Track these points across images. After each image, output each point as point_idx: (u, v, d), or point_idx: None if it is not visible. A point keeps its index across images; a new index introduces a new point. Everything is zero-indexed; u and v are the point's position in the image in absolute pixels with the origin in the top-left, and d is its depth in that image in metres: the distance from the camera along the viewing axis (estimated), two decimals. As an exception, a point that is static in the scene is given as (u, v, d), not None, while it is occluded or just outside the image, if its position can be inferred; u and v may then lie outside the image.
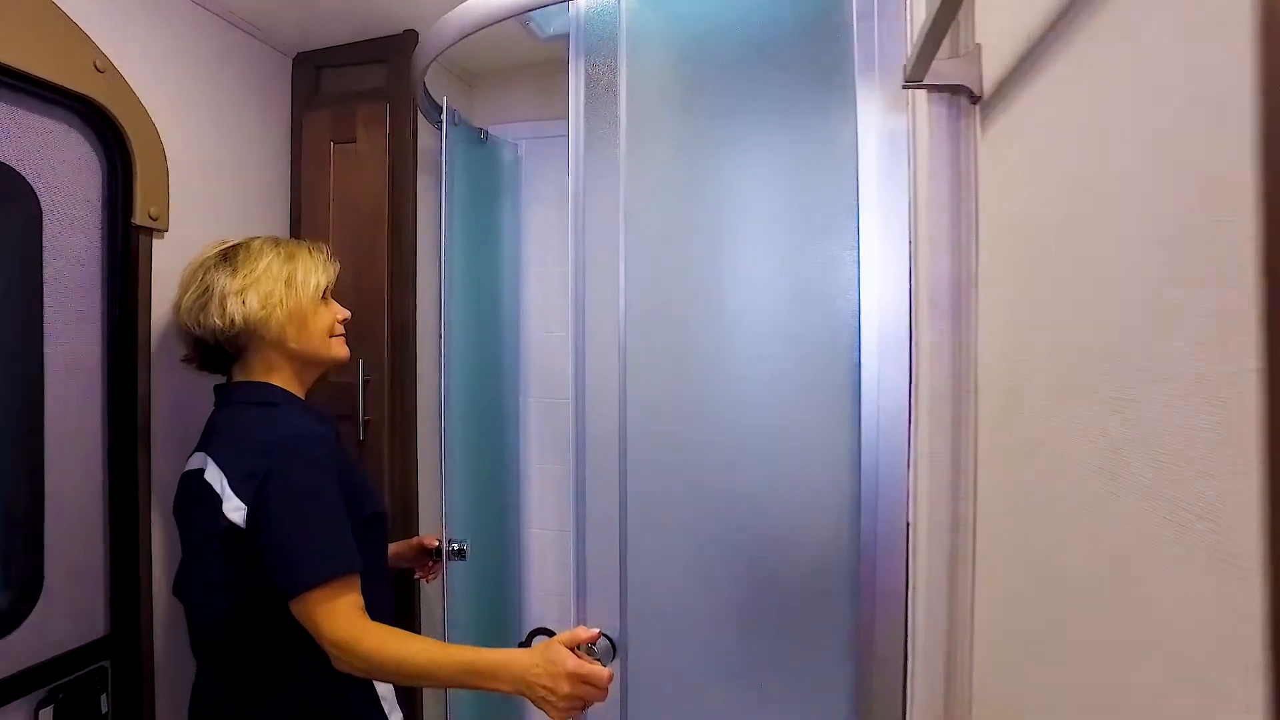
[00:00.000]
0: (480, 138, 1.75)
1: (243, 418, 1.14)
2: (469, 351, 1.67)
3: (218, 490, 1.06)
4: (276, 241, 1.25)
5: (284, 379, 1.20)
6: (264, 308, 1.16)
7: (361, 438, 1.57)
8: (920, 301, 0.85)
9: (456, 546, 1.52)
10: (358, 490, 1.15)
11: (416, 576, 1.57)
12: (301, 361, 1.21)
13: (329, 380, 1.55)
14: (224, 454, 1.09)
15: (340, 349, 1.26)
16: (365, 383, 1.57)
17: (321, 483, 1.06)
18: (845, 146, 0.94)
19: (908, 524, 0.88)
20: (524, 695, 0.96)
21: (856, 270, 0.93)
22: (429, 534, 1.56)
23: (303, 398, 1.22)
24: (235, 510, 1.03)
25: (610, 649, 1.03)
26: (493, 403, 1.81)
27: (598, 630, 1.02)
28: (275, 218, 1.63)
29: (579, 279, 1.06)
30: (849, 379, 0.94)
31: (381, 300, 1.58)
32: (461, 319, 1.64)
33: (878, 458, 0.92)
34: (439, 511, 1.50)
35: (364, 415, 1.57)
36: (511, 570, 1.88)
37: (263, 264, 1.19)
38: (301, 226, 1.64)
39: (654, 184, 1.04)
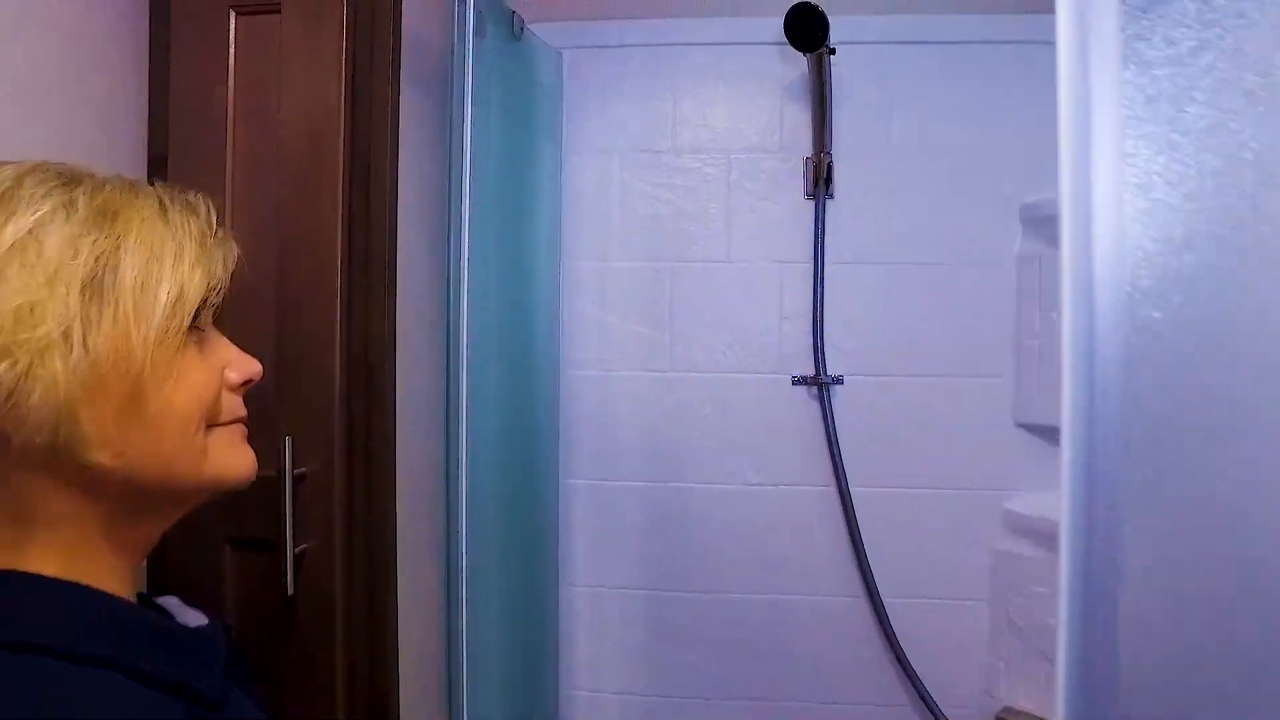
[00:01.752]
0: (514, 30, 1.00)
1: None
2: (501, 411, 0.90)
3: None
4: (74, 180, 0.42)
5: (63, 553, 0.39)
6: (7, 351, 0.36)
7: (290, 592, 0.77)
8: None
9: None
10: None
11: None
12: (124, 497, 0.41)
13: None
14: None
15: (233, 457, 0.45)
16: (299, 478, 0.78)
17: None
18: None
19: None
20: None
21: None
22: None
23: (122, 595, 0.43)
24: None
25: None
26: (536, 499, 1.04)
27: None
28: (114, 149, 0.83)
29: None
30: None
31: (332, 313, 0.80)
32: (486, 347, 0.87)
33: None
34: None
35: (294, 544, 0.77)
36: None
37: (14, 227, 0.38)
38: (168, 169, 0.84)
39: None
